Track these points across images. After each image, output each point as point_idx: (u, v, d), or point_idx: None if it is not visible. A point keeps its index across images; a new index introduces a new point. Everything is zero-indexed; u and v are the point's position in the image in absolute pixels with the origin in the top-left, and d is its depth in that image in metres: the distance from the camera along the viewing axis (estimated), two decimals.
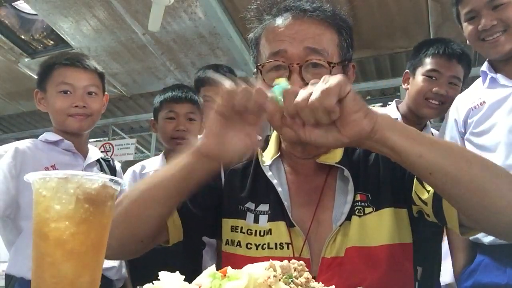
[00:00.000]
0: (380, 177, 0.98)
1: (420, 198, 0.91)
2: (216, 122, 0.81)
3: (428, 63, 1.93)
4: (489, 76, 1.68)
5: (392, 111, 2.09)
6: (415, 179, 0.92)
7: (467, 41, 1.72)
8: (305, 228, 0.96)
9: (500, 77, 1.65)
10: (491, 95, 1.65)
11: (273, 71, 0.97)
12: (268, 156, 1.08)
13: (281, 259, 0.60)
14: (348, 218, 0.94)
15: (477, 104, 1.67)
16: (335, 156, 1.01)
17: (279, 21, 0.99)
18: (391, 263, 0.92)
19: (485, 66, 1.72)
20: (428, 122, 2.10)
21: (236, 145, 0.82)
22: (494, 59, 1.69)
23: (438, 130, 2.14)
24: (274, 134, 1.13)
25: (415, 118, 2.03)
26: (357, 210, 0.95)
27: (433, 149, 0.76)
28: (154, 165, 2.14)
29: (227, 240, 1.03)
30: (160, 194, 0.88)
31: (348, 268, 0.91)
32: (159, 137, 2.19)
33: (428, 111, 1.95)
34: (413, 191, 0.93)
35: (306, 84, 0.90)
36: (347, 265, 0.91)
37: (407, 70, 2.06)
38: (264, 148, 1.12)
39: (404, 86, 2.08)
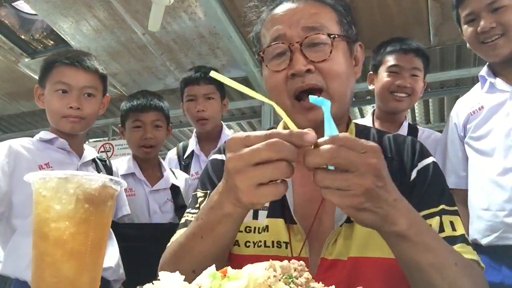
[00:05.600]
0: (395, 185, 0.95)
1: None
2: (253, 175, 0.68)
3: (389, 60, 2.02)
4: (487, 81, 1.70)
5: (367, 120, 2.15)
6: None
7: (467, 44, 1.72)
8: (307, 226, 0.92)
9: (498, 82, 1.66)
10: (489, 100, 1.68)
11: (275, 58, 0.95)
12: None
13: (277, 258, 0.59)
14: (350, 219, 0.90)
15: (476, 109, 1.71)
16: None
17: (276, 10, 0.98)
18: (397, 277, 0.87)
19: (483, 71, 1.74)
20: (405, 123, 2.13)
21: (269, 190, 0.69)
22: (493, 62, 1.70)
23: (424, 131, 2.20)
24: (280, 125, 1.09)
25: (388, 117, 2.08)
26: None
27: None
28: (123, 167, 2.19)
29: (237, 240, 0.97)
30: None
31: (351, 273, 0.87)
32: (127, 143, 2.27)
33: (395, 104, 2.01)
34: None
35: (310, 62, 0.90)
36: (348, 272, 0.87)
37: (370, 72, 2.13)
38: None
39: (370, 87, 2.14)
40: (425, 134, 2.13)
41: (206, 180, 1.05)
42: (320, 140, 0.67)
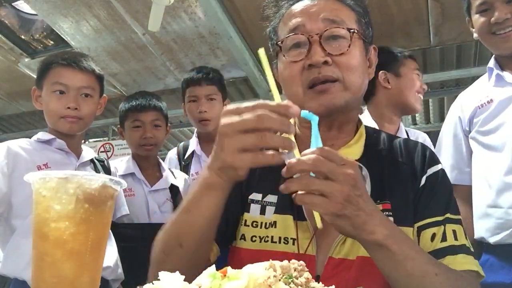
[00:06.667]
0: (407, 192, 0.95)
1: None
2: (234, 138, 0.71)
3: (412, 63, 2.07)
4: (495, 73, 1.66)
5: (367, 118, 2.13)
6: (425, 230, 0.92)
7: (475, 35, 1.69)
8: (315, 224, 0.92)
9: (507, 75, 1.62)
10: (499, 93, 1.62)
11: (293, 49, 0.96)
12: None
13: (284, 254, 0.59)
14: None
15: (484, 102, 1.65)
16: (356, 152, 0.99)
17: (296, 5, 0.99)
18: None
19: (491, 63, 1.69)
20: (401, 125, 2.16)
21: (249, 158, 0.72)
22: (502, 55, 1.66)
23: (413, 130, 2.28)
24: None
25: (389, 120, 2.09)
26: None
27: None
28: (122, 167, 2.20)
29: (243, 234, 0.99)
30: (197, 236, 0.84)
31: (357, 275, 0.88)
32: (127, 143, 2.29)
33: (419, 105, 2.09)
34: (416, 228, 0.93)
35: (327, 54, 0.92)
36: (356, 271, 0.88)
37: (383, 71, 2.08)
38: None
39: (386, 85, 2.09)
40: (414, 136, 2.15)
41: None
42: (307, 151, 0.73)
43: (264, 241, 0.94)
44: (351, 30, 0.94)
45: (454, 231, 0.91)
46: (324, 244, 0.92)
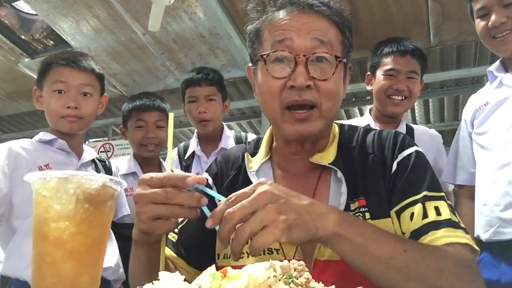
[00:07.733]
0: (378, 183, 0.95)
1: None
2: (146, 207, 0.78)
3: (386, 62, 2.00)
4: (498, 78, 1.70)
5: (366, 118, 2.14)
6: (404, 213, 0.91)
7: (480, 39, 1.72)
8: None
9: (506, 77, 1.66)
10: (495, 95, 1.68)
11: (276, 63, 0.94)
12: (256, 161, 1.05)
13: None
14: None
15: (482, 105, 1.72)
16: (328, 156, 0.99)
17: (284, 13, 0.96)
18: None
19: (493, 67, 1.75)
20: (402, 123, 2.13)
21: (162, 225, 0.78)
22: (504, 57, 1.71)
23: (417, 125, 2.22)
24: (266, 135, 1.10)
25: (385, 118, 2.07)
26: (358, 217, 0.91)
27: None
28: (124, 167, 2.21)
29: (218, 254, 1.02)
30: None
31: (345, 273, 0.87)
32: (129, 143, 2.31)
33: (392, 108, 2.00)
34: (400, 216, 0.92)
35: (311, 78, 0.91)
36: (344, 269, 0.87)
37: (368, 73, 2.12)
38: (254, 153, 1.09)
39: (368, 88, 2.13)
40: (418, 132, 2.12)
41: None
42: (217, 209, 0.74)
43: (250, 256, 0.93)
44: (338, 58, 0.94)
45: (436, 207, 0.89)
46: (308, 248, 0.92)
